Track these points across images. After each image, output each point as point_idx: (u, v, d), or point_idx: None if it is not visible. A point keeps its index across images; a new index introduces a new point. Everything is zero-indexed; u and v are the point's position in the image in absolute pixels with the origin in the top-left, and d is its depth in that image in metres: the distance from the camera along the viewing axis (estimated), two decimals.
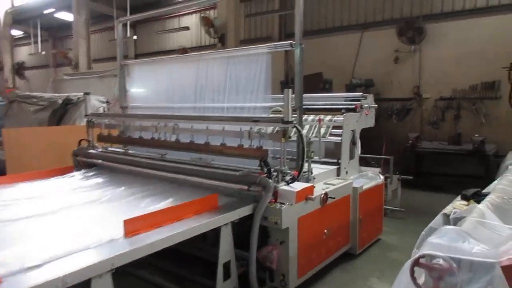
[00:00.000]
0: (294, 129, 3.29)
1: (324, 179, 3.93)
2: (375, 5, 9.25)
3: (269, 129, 3.35)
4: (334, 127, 4.43)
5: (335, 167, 4.23)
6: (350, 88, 8.49)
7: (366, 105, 4.55)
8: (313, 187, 3.32)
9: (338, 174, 4.22)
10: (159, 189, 3.54)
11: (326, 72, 9.68)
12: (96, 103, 6.77)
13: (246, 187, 3.12)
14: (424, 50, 8.47)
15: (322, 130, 4.49)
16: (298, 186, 3.20)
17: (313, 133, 4.54)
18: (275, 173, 3.16)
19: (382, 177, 4.63)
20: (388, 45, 8.83)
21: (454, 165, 7.77)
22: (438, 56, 8.30)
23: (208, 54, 4.47)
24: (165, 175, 3.75)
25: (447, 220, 2.58)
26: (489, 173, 6.86)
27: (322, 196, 3.41)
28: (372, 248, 4.43)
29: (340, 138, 4.26)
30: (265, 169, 3.13)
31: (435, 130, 8.37)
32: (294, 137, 3.41)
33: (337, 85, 9.10)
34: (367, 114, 4.56)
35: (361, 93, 4.74)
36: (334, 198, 3.53)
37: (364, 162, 8.17)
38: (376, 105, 4.73)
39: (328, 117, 4.51)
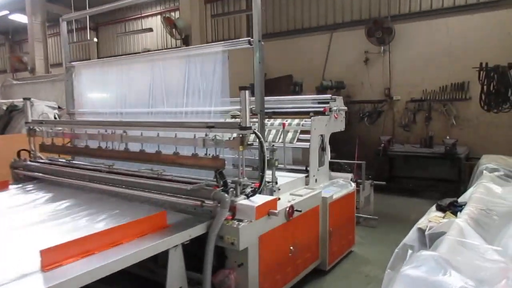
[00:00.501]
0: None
1: (290, 189, 3.61)
2: (343, 5, 9.12)
3: (227, 135, 3.00)
4: (303, 132, 4.15)
5: (303, 175, 3.93)
6: (320, 90, 8.27)
7: (335, 108, 4.28)
8: (277, 200, 2.99)
9: (307, 183, 3.92)
10: (103, 206, 3.11)
11: (296, 75, 9.46)
12: (45, 109, 6.22)
13: (199, 203, 2.75)
14: (393, 51, 8.38)
15: (290, 135, 4.21)
16: (259, 199, 2.86)
17: (279, 138, 4.25)
18: (232, 186, 2.81)
19: (353, 184, 4.36)
20: (357, 46, 8.70)
21: (427, 169, 7.68)
22: (408, 57, 8.23)
23: (159, 54, 4.08)
24: (110, 189, 3.32)
25: (422, 236, 2.31)
26: (462, 176, 6.78)
27: (287, 209, 3.08)
28: (344, 262, 4.14)
29: (308, 143, 3.97)
30: (221, 182, 2.77)
31: (407, 132, 8.27)
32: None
33: (307, 87, 8.87)
34: (336, 118, 4.29)
35: (330, 95, 4.47)
36: (300, 211, 3.21)
37: (336, 166, 8.00)
38: (346, 108, 4.48)
39: (296, 121, 4.22)
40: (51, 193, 3.56)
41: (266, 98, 4.97)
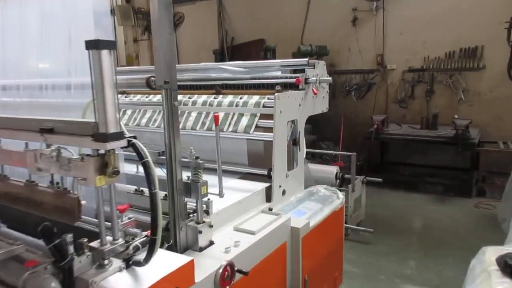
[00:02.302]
0: None
1: (237, 216, 2.18)
2: None
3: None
4: (264, 116, 2.65)
5: (263, 185, 2.48)
6: (297, 57, 6.72)
7: (314, 78, 2.78)
8: (191, 265, 1.51)
9: (269, 198, 2.47)
10: None
11: (269, 39, 7.89)
12: None
13: None
14: (388, 8, 6.86)
15: (244, 121, 2.73)
16: (156, 269, 1.38)
17: (229, 125, 2.78)
18: (88, 253, 1.32)
19: (341, 196, 2.91)
20: (344, 2, 7.12)
21: (427, 153, 6.36)
22: (406, 15, 6.74)
23: None
24: None
25: None
26: (474, 165, 5.49)
27: (220, 274, 1.62)
28: None
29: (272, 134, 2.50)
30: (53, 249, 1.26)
31: (403, 109, 6.90)
32: None
33: (282, 54, 7.32)
34: (315, 93, 2.80)
35: (307, 59, 2.96)
36: (246, 273, 1.75)
37: (318, 157, 6.61)
38: (330, 79, 2.96)
39: (254, 99, 2.73)
40: None
41: (207, 64, 3.43)
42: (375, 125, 5.83)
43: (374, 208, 4.81)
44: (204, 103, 2.99)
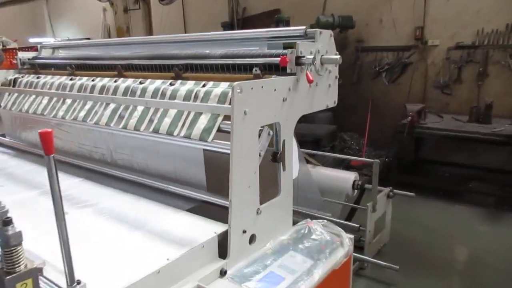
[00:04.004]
0: None
1: None
2: None
3: None
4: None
5: (216, 230, 1.57)
6: None
7: (311, 57, 1.76)
8: None
9: (224, 253, 1.55)
10: None
11: (286, 9, 6.78)
12: None
13: None
14: None
15: (202, 122, 1.84)
16: None
17: (183, 127, 1.89)
18: None
19: (348, 241, 1.90)
20: None
21: (477, 153, 5.18)
22: None
23: None
24: None
25: None
26: None
27: None
28: None
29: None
30: None
31: (446, 96, 5.71)
32: None
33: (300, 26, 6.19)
34: (310, 82, 1.80)
35: (304, 28, 1.97)
36: None
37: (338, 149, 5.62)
38: (338, 57, 1.92)
39: (219, 89, 1.80)
40: None
41: (164, 36, 2.49)
42: (409, 117, 4.70)
43: (402, 225, 3.79)
44: (155, 92, 2.09)
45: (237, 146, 1.49)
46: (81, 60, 2.91)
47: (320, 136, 5.38)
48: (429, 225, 4.00)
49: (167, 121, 1.95)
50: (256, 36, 2.12)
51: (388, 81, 6.13)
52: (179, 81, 2.11)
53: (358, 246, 3.10)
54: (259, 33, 2.11)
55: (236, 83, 1.46)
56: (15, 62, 3.39)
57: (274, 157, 1.75)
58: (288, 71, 1.78)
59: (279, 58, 1.78)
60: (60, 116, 2.51)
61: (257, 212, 1.64)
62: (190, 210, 1.81)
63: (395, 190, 3.32)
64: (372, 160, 3.03)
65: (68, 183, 2.17)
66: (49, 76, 2.90)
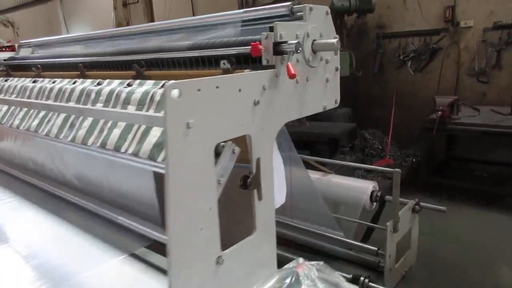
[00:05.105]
0: None
1: None
2: None
3: None
4: None
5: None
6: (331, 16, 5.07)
7: (294, 43, 1.26)
8: None
9: None
10: None
11: None
12: None
13: None
14: None
15: (154, 135, 1.40)
16: None
17: (132, 140, 1.45)
18: None
19: None
20: None
21: None
22: None
23: None
24: None
25: None
26: None
27: None
28: None
29: None
30: None
31: (483, 85, 5.04)
32: None
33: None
34: (292, 77, 1.30)
35: (287, 4, 1.48)
36: None
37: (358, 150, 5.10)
38: (335, 41, 1.42)
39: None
40: None
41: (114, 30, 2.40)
42: (440, 111, 4.09)
43: (431, 240, 3.23)
44: (109, 95, 1.69)
45: (175, 175, 1.03)
46: (47, 59, 2.58)
47: (337, 135, 4.85)
48: (465, 239, 3.42)
49: (116, 132, 1.54)
50: (231, 19, 1.65)
51: (415, 70, 5.49)
52: (137, 81, 1.70)
53: (378, 270, 2.58)
54: (233, 16, 1.64)
55: (170, 82, 1.00)
56: None
57: (244, 183, 1.28)
58: (264, 62, 1.31)
59: (250, 47, 1.31)
60: (15, 125, 2.16)
61: (217, 262, 1.18)
62: (137, 254, 1.38)
63: (422, 204, 2.76)
64: (392, 169, 2.49)
65: None
66: (16, 79, 2.59)
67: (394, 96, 5.39)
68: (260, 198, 1.32)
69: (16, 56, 3.14)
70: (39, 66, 2.54)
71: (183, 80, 1.03)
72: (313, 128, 4.96)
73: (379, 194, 2.79)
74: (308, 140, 4.81)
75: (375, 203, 2.92)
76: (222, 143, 1.20)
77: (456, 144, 5.02)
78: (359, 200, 2.89)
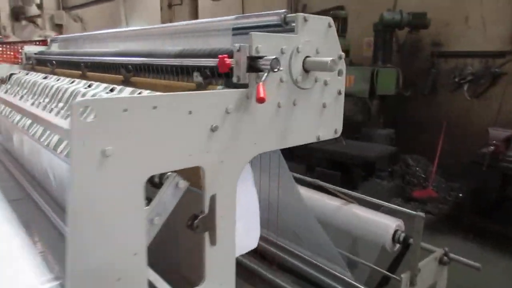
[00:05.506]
0: None
1: None
2: None
3: None
4: None
5: None
6: (379, 30, 4.71)
7: (270, 57, 1.02)
8: None
9: None
10: None
11: (350, 5, 5.92)
12: None
13: None
14: None
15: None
16: None
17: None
18: None
19: None
20: None
21: None
22: None
23: None
24: None
25: None
26: None
27: None
28: None
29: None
30: None
31: None
32: None
33: (361, 25, 5.34)
34: (260, 101, 1.05)
35: (280, 12, 1.24)
36: None
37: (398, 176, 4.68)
38: (328, 60, 1.15)
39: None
40: None
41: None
42: (492, 146, 3.58)
43: None
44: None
45: (81, 214, 0.83)
46: (58, 56, 2.57)
47: (373, 159, 4.45)
48: None
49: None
50: (220, 27, 1.44)
51: (471, 95, 4.94)
52: (119, 87, 1.56)
53: None
54: (223, 23, 1.43)
55: (78, 100, 0.80)
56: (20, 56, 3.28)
57: (191, 223, 1.05)
58: (235, 80, 1.08)
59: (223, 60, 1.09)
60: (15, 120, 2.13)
61: None
62: None
63: (452, 255, 2.35)
64: (414, 212, 2.13)
65: None
66: (34, 74, 2.61)
67: (445, 122, 4.88)
68: (213, 243, 1.09)
69: (44, 51, 3.17)
70: (53, 62, 2.51)
71: (100, 98, 0.83)
72: (348, 147, 4.60)
73: (402, 235, 2.44)
74: (341, 161, 4.47)
75: (398, 245, 2.56)
76: (169, 173, 0.99)
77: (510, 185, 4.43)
78: (378, 237, 2.54)
